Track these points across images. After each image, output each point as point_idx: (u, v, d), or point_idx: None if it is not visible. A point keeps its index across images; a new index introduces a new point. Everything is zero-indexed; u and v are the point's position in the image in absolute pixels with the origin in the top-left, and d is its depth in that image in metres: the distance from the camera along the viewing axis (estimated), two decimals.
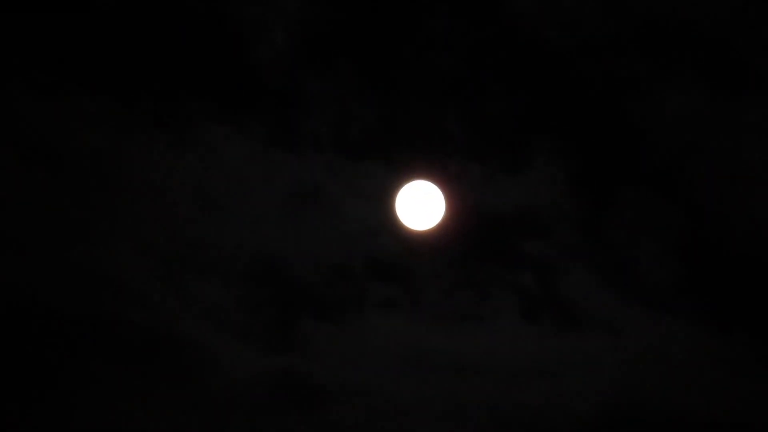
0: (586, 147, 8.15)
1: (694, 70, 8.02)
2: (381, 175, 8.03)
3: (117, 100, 7.83)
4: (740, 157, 8.09)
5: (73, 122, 7.80)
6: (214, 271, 8.17)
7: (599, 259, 8.28)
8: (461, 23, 7.98)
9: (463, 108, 8.08)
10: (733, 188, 8.15)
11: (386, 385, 8.29)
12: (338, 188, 8.10)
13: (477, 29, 7.99)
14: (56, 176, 7.83)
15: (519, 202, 8.19)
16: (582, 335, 8.30)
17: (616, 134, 8.10)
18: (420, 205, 7.97)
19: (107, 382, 7.96)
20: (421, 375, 8.31)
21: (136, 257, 8.01)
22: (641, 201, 8.19)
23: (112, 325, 7.98)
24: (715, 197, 8.18)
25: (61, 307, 7.89)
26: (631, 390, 8.32)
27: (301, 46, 7.92)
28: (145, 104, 7.86)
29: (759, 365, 8.19)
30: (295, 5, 7.88)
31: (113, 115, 7.82)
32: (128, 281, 8.00)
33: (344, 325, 8.25)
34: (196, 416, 8.09)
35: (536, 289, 8.30)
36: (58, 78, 7.71)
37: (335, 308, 8.26)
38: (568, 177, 8.18)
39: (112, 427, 7.94)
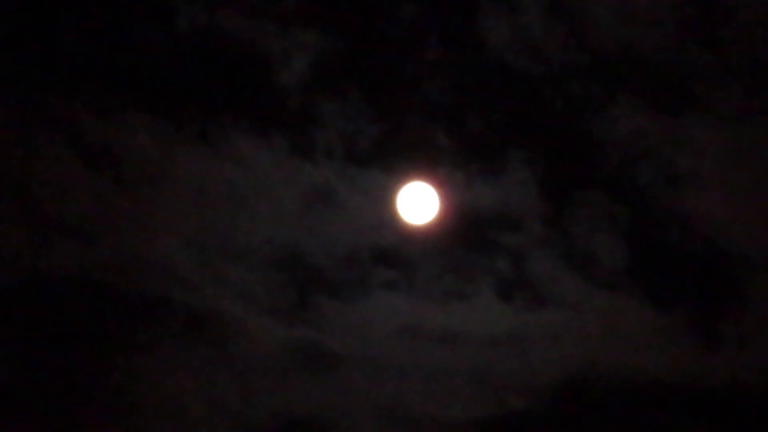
0: (552, 156, 8.43)
1: (639, 93, 8.33)
2: (383, 178, 8.33)
3: (167, 117, 8.21)
4: (676, 165, 8.43)
5: (132, 135, 8.22)
6: (245, 258, 8.38)
7: (562, 248, 8.52)
8: (448, 55, 8.36)
9: (451, 124, 8.39)
10: (670, 190, 8.46)
11: (386, 352, 8.47)
12: (348, 190, 8.39)
13: (461, 60, 8.36)
14: (116, 179, 8.23)
15: (496, 201, 8.43)
16: (548, 312, 8.54)
17: (576, 146, 8.42)
18: (417, 204, 8.26)
19: (157, 351, 8.27)
20: (415, 344, 8.50)
21: (181, 247, 8.34)
22: (596, 200, 8.49)
23: (161, 303, 8.30)
24: (656, 198, 8.48)
25: (119, 288, 8.25)
26: (588, 357, 8.52)
27: (318, 73, 8.29)
28: (190, 120, 8.23)
29: (692, 334, 8.47)
30: (313, 41, 8.26)
31: (164, 129, 8.23)
32: (174, 267, 8.30)
33: (352, 302, 8.46)
34: (230, 378, 8.33)
35: (510, 273, 8.52)
36: (120, 98, 8.17)
37: (345, 289, 8.46)
38: (537, 181, 8.45)
39: (161, 386, 8.19)
